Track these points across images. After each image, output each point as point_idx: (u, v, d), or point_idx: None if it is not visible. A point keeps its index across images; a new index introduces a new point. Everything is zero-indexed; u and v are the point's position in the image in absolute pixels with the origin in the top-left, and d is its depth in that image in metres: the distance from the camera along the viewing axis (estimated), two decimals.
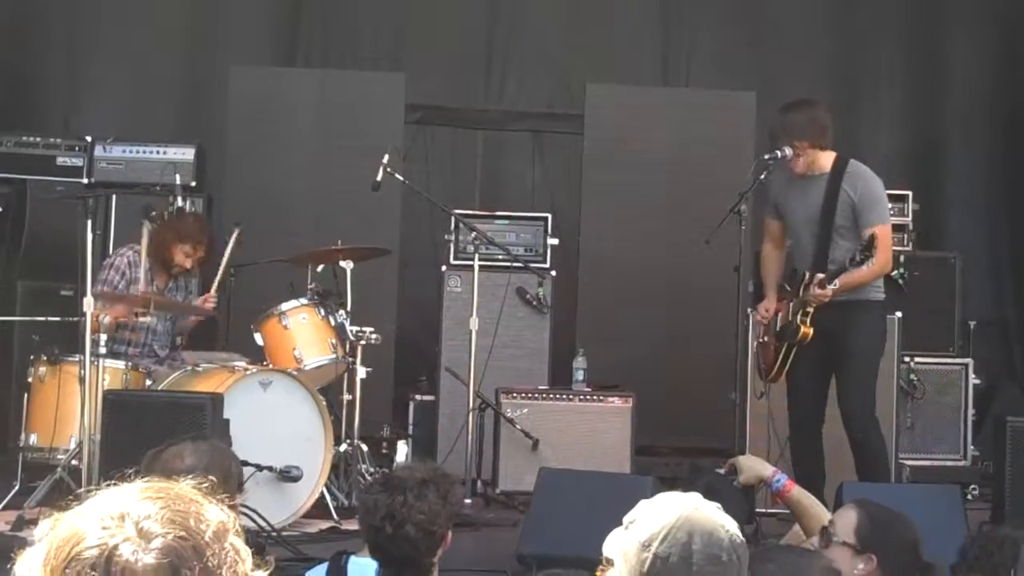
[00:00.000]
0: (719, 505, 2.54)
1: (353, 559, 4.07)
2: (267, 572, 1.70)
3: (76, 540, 1.60)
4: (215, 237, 7.94)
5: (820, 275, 6.72)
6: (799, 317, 6.81)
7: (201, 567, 1.61)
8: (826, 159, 6.95)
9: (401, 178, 7.99)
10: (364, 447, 7.56)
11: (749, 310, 7.63)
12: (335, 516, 6.99)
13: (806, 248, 7.01)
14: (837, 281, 6.64)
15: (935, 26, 10.32)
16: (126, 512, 1.62)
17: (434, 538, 3.97)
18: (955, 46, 10.28)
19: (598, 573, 2.56)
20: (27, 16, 9.85)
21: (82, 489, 6.32)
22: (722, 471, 5.22)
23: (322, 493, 7.00)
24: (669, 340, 8.70)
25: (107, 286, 7.53)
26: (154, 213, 7.98)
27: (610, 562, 2.53)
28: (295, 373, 7.15)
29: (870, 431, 6.89)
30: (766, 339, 7.14)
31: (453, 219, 8.59)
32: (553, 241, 8.86)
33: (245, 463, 6.23)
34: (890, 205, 7.69)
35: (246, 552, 1.66)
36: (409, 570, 3.98)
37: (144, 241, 7.53)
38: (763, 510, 7.28)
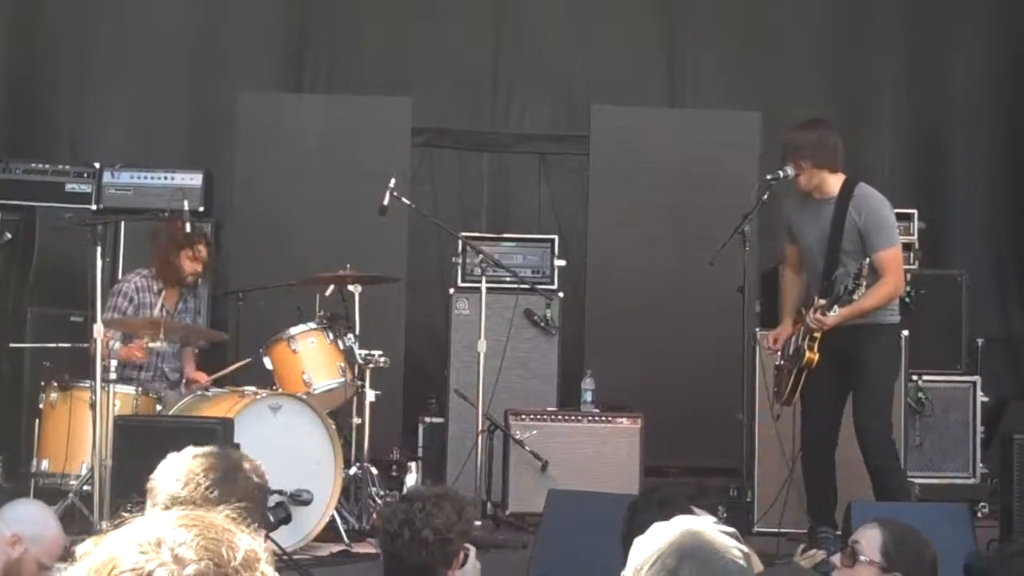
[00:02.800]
0: (732, 531, 2.54)
1: None
2: None
3: (113, 564, 1.67)
4: (208, 236, 8.07)
5: (822, 302, 6.73)
6: (806, 342, 6.81)
7: None
8: (835, 182, 6.95)
9: (408, 201, 8.03)
10: (374, 470, 7.58)
11: (756, 330, 7.65)
12: (346, 539, 7.01)
13: (814, 272, 7.03)
14: (837, 309, 6.65)
15: (939, 46, 10.36)
16: (162, 538, 1.68)
17: (450, 548, 4.02)
18: (958, 66, 10.32)
19: None
20: (34, 43, 9.92)
21: (95, 515, 6.37)
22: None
23: (332, 516, 7.02)
24: (677, 360, 8.71)
25: (116, 313, 7.57)
26: (161, 235, 8.05)
27: None
28: (304, 397, 7.18)
29: (888, 457, 6.87)
30: (782, 362, 7.15)
31: (460, 242, 8.62)
32: (560, 262, 8.90)
33: None
34: (897, 224, 7.71)
35: None
36: None
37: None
38: (764, 529, 7.33)
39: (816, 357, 6.79)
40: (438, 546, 3.98)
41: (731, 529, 2.54)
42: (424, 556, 3.97)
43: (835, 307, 6.64)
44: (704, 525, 2.53)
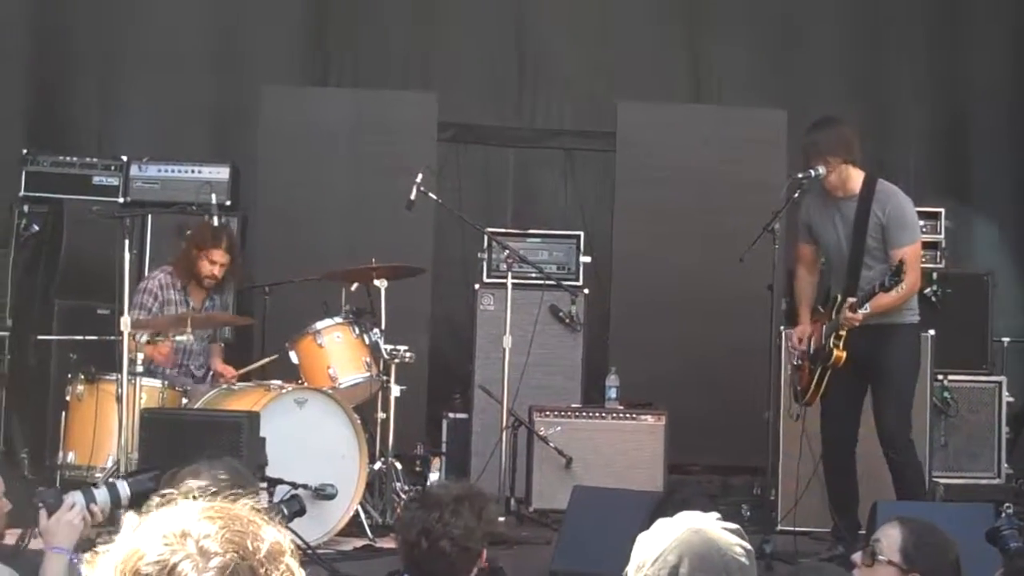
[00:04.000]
0: (736, 527, 2.54)
1: None
2: None
3: (139, 555, 1.69)
4: (236, 241, 8.07)
5: (852, 299, 6.73)
6: (832, 340, 6.81)
7: None
8: (856, 179, 6.95)
9: (434, 197, 8.03)
10: (398, 465, 7.60)
11: (782, 328, 7.64)
12: (370, 534, 7.02)
13: (838, 270, 7.02)
14: (868, 306, 6.64)
15: (964, 45, 10.32)
16: (187, 531, 1.70)
17: (469, 555, 4.01)
18: (983, 64, 10.27)
19: None
20: (61, 37, 9.95)
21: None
22: None
23: (357, 511, 7.04)
24: (702, 358, 8.70)
25: (142, 310, 7.59)
26: (189, 233, 8.07)
27: None
28: (330, 391, 7.19)
29: (908, 453, 6.89)
30: (801, 362, 7.14)
31: (486, 237, 8.62)
32: (585, 259, 8.89)
33: (280, 481, 6.29)
34: (922, 223, 7.70)
35: (300, 572, 1.72)
36: None
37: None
38: (788, 528, 7.32)
39: (844, 355, 6.79)
40: (456, 554, 3.98)
41: (735, 526, 2.54)
42: (442, 565, 3.97)
43: (867, 305, 6.64)
44: (707, 522, 2.53)
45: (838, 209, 6.98)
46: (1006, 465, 8.57)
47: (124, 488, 4.35)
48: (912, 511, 5.57)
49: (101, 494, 4.27)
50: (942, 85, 10.34)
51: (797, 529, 7.23)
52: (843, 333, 6.79)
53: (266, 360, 7.65)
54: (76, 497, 4.19)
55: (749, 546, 2.52)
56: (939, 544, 4.20)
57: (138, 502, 4.50)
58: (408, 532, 4.01)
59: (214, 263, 7.76)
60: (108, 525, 6.15)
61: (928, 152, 10.28)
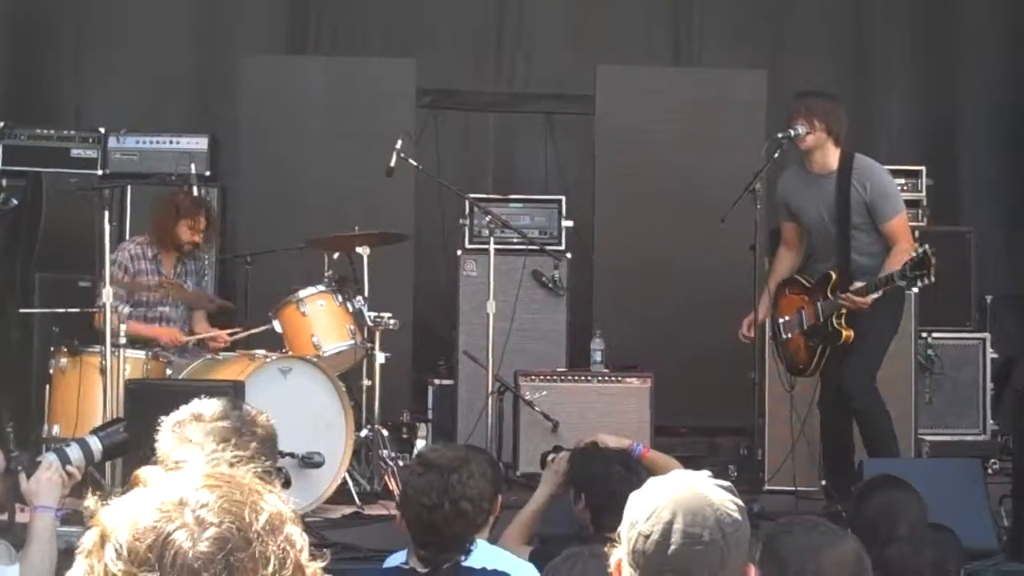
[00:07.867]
0: (728, 484, 2.54)
1: None
2: (324, 563, 1.73)
3: (135, 523, 1.66)
4: (212, 207, 8.00)
5: (858, 284, 6.72)
6: (834, 320, 6.82)
7: (251, 556, 1.65)
8: (834, 156, 6.96)
9: (415, 163, 8.00)
10: (384, 432, 7.59)
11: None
12: (357, 501, 7.02)
13: (823, 247, 7.04)
14: (879, 291, 6.66)
15: (948, 1, 10.29)
16: (185, 499, 1.67)
17: (483, 515, 4.03)
18: (969, 20, 10.26)
19: (607, 549, 2.58)
20: (37, 8, 9.87)
21: (106, 479, 6.38)
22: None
23: (344, 479, 7.03)
24: (686, 320, 8.69)
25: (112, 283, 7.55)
26: (163, 200, 8.04)
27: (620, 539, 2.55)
28: (315, 360, 7.17)
29: (868, 399, 6.87)
30: (790, 336, 7.15)
31: (467, 203, 8.59)
32: (568, 223, 8.87)
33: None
34: (903, 181, 7.70)
35: (302, 542, 1.69)
36: (453, 548, 4.00)
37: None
38: (775, 488, 7.34)
39: (851, 333, 6.80)
40: (475, 514, 3.98)
41: (727, 483, 2.55)
42: (462, 526, 3.97)
43: (879, 290, 6.64)
44: (700, 480, 2.54)
45: (819, 187, 6.98)
46: (991, 421, 8.60)
47: (95, 443, 4.35)
48: (898, 469, 5.59)
49: (74, 452, 4.27)
50: (928, 41, 10.30)
51: (784, 488, 7.25)
52: (844, 311, 6.80)
53: (257, 330, 7.60)
54: (50, 457, 4.19)
55: (741, 503, 2.52)
56: (866, 495, 4.32)
57: (112, 454, 4.51)
58: (426, 496, 3.97)
59: (195, 230, 7.72)
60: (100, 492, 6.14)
61: (911, 109, 10.27)
